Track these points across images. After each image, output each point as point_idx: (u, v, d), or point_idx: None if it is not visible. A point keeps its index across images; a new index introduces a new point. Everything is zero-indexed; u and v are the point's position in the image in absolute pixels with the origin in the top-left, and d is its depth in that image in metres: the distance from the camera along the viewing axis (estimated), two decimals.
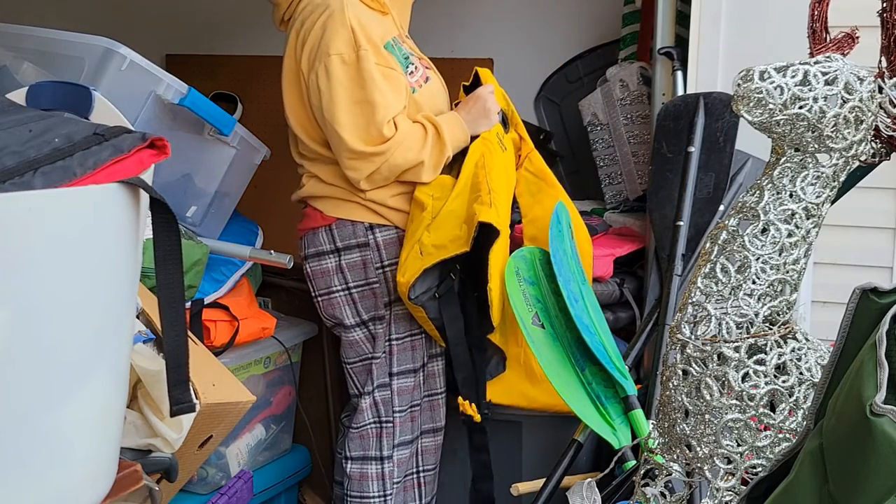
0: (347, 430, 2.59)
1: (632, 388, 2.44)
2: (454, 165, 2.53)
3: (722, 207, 2.63)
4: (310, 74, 2.36)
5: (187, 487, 2.43)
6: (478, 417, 2.49)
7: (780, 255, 1.47)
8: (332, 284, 2.52)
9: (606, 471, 1.97)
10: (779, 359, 1.49)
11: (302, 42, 2.38)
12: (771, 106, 1.41)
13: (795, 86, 1.40)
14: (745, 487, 1.42)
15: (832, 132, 1.43)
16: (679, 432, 1.56)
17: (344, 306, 2.52)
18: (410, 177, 2.43)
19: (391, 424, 2.54)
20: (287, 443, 2.89)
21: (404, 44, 2.50)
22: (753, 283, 1.48)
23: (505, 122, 2.66)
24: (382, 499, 2.55)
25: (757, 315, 1.48)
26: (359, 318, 2.52)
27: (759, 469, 1.51)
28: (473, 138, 2.52)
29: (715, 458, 1.53)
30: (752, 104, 1.42)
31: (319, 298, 2.55)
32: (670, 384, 1.57)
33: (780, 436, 1.51)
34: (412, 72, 2.47)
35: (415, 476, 2.65)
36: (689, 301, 1.53)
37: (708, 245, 1.53)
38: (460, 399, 2.50)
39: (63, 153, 1.28)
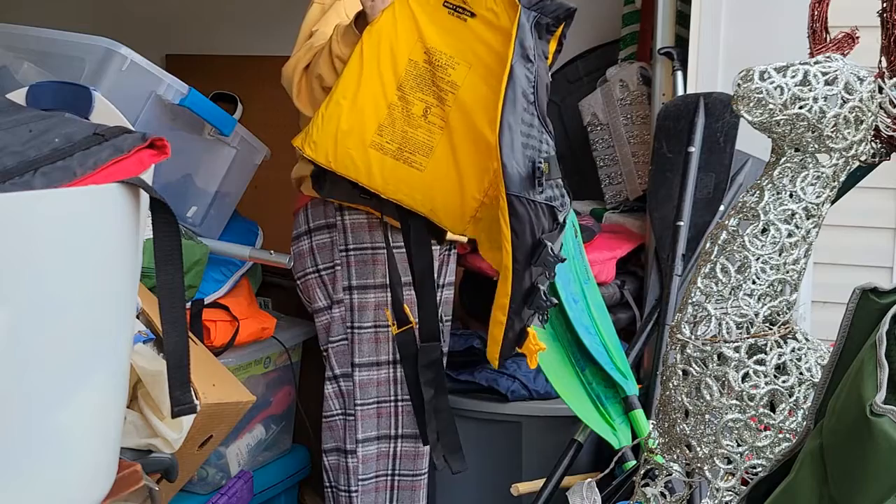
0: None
1: (633, 388, 2.44)
2: None
3: (722, 207, 2.63)
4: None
5: (187, 487, 2.43)
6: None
7: (780, 255, 1.47)
8: (306, 266, 2.51)
9: (606, 471, 1.97)
10: (779, 359, 1.49)
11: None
12: (771, 106, 1.41)
13: (795, 86, 1.40)
14: (745, 487, 1.42)
15: (832, 132, 1.43)
16: (679, 432, 1.56)
17: (316, 289, 2.50)
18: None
19: (353, 418, 2.50)
20: (287, 443, 2.89)
21: None
22: (753, 283, 1.48)
23: None
24: (347, 494, 2.51)
25: (757, 315, 1.48)
26: (329, 300, 2.50)
27: (759, 469, 1.51)
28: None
29: (715, 458, 1.53)
30: (752, 104, 1.42)
31: (298, 281, 2.54)
32: (670, 384, 1.57)
33: (780, 436, 1.51)
34: None
35: (388, 478, 2.57)
36: (689, 301, 1.53)
37: (708, 245, 1.53)
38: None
39: (63, 153, 1.28)
